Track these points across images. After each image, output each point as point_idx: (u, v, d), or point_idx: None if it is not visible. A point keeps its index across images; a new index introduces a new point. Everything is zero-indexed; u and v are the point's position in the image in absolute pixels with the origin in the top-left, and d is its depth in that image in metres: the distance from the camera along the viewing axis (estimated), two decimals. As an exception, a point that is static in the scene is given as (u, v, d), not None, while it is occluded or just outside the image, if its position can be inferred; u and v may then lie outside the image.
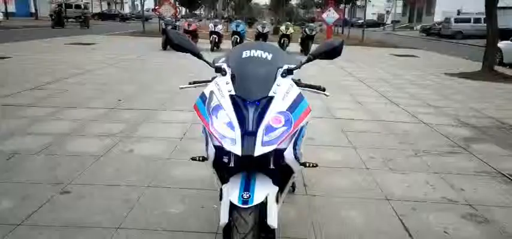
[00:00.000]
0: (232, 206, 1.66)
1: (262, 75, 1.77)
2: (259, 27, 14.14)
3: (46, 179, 3.08)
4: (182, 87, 2.19)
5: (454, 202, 3.03)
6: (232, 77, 1.79)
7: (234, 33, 13.83)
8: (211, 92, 1.78)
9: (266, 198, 1.71)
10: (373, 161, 3.82)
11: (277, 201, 1.78)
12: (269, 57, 1.85)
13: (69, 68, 8.93)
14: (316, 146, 4.20)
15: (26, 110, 5.12)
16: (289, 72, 1.84)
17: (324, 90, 2.12)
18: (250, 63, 1.81)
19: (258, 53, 1.85)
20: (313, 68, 10.97)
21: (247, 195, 1.66)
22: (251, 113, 1.69)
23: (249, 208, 1.63)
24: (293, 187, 3.05)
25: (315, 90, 2.11)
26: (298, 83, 2.03)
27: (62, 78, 7.58)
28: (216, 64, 1.86)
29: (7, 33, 19.49)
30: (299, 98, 1.79)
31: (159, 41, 13.92)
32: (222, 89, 1.76)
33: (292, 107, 1.74)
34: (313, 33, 13.99)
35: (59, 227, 2.43)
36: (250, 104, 1.71)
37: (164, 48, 13.29)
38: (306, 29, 14.01)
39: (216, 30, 13.72)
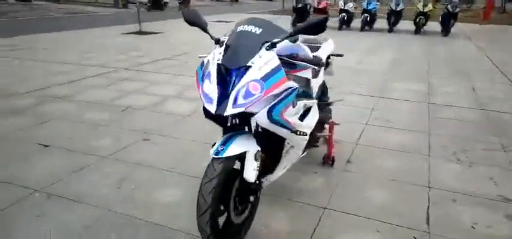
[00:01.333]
0: None
1: (247, 47, 2.02)
2: (392, 5, 13.27)
3: (139, 128, 3.90)
4: (200, 57, 2.57)
5: (509, 200, 2.71)
6: (227, 48, 2.09)
7: (364, 11, 13.37)
8: (208, 61, 2.12)
9: (245, 154, 2.01)
10: (442, 149, 3.57)
11: (256, 159, 2.05)
12: (258, 31, 2.08)
13: (198, 42, 10.19)
14: (388, 127, 4.10)
15: (150, 75, 6.28)
16: (272, 45, 2.04)
17: (317, 64, 2.22)
18: (240, 36, 2.08)
19: (249, 27, 2.10)
20: (446, 51, 9.99)
21: (221, 148, 1.99)
22: (231, 80, 1.98)
23: (219, 158, 1.95)
24: (332, 160, 3.18)
25: (309, 64, 2.24)
26: (294, 57, 2.21)
27: (188, 51, 8.80)
28: (216, 37, 2.19)
29: (169, 12, 22.79)
30: (276, 69, 1.99)
31: (290, 19, 14.44)
32: (215, 57, 2.08)
33: (267, 77, 1.95)
34: (456, 10, 12.49)
35: (129, 163, 3.17)
36: (233, 71, 1.99)
37: (293, 25, 13.75)
38: (448, 6, 12.58)
39: (345, 8, 13.52)
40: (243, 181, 2.05)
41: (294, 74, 2.37)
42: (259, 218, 2.41)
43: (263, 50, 2.02)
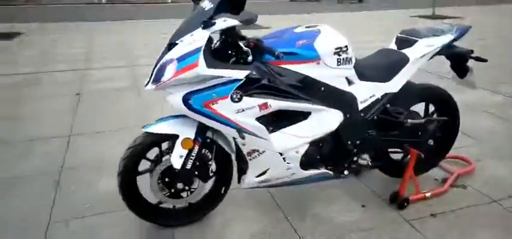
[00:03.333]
0: None
1: (187, 23, 1.86)
2: None
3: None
4: None
5: None
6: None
7: None
8: None
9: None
10: None
11: (183, 146, 1.91)
12: (208, 7, 1.81)
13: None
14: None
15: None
16: (209, 24, 1.76)
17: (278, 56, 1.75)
18: (194, 12, 1.90)
19: (204, 3, 1.87)
20: None
21: (153, 123, 1.97)
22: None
23: (145, 132, 1.96)
24: (402, 202, 2.22)
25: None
26: (250, 44, 1.83)
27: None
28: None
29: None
30: (194, 52, 1.75)
31: None
32: None
33: (183, 57, 1.76)
34: None
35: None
36: (172, 46, 1.86)
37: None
38: None
39: None
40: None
41: (283, 66, 1.91)
42: (233, 217, 2.21)
43: (199, 28, 1.80)
